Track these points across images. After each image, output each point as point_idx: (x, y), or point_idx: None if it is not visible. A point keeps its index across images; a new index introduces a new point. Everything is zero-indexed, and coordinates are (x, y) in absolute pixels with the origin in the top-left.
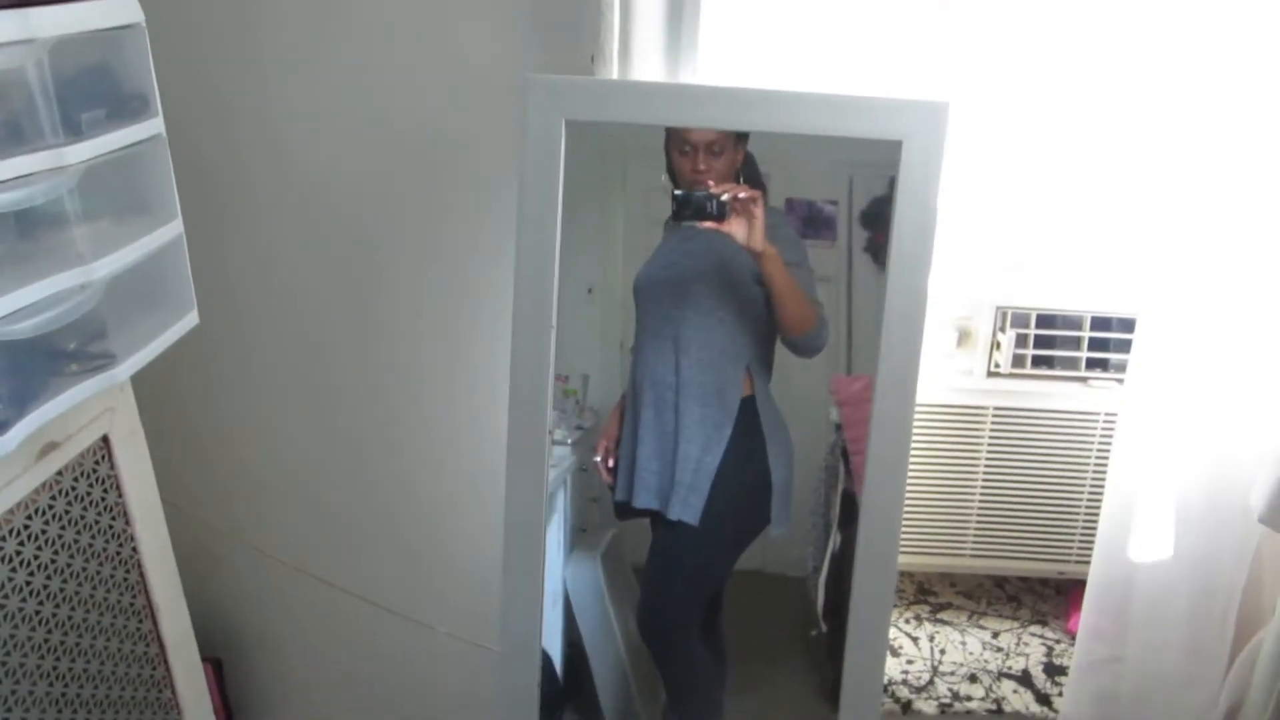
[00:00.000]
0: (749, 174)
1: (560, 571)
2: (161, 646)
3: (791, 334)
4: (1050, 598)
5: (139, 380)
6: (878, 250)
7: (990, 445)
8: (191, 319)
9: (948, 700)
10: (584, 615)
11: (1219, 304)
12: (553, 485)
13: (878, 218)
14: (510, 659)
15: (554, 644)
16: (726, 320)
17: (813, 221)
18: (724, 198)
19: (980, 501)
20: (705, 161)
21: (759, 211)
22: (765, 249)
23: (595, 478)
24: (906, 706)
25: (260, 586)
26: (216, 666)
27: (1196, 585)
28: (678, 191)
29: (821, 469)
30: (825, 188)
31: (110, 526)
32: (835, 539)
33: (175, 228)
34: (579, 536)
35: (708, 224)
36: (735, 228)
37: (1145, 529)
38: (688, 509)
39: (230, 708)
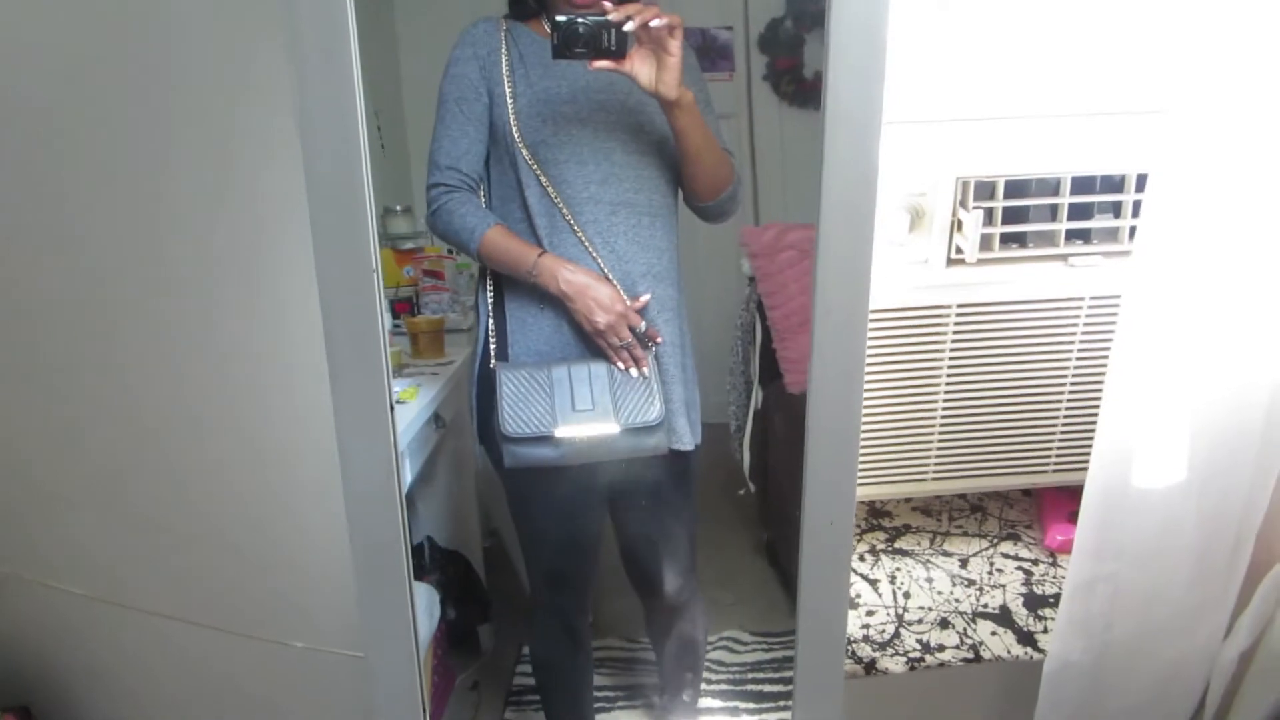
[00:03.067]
0: None
1: None
2: None
3: (704, 198)
4: (1018, 502)
5: None
6: (778, 79)
7: (954, 351)
8: None
9: (917, 654)
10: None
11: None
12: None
13: (777, 41)
14: (380, 666)
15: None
16: (671, 181)
17: (707, 52)
18: (627, 26)
19: (943, 417)
20: None
21: (676, 46)
22: (682, 96)
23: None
24: (870, 667)
25: (57, 621)
26: (24, 715)
27: (1208, 505)
28: (560, 18)
29: (737, 326)
30: (716, 10)
31: None
32: (757, 396)
33: None
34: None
35: (602, 64)
36: (639, 68)
37: (1151, 437)
38: (695, 430)
39: None
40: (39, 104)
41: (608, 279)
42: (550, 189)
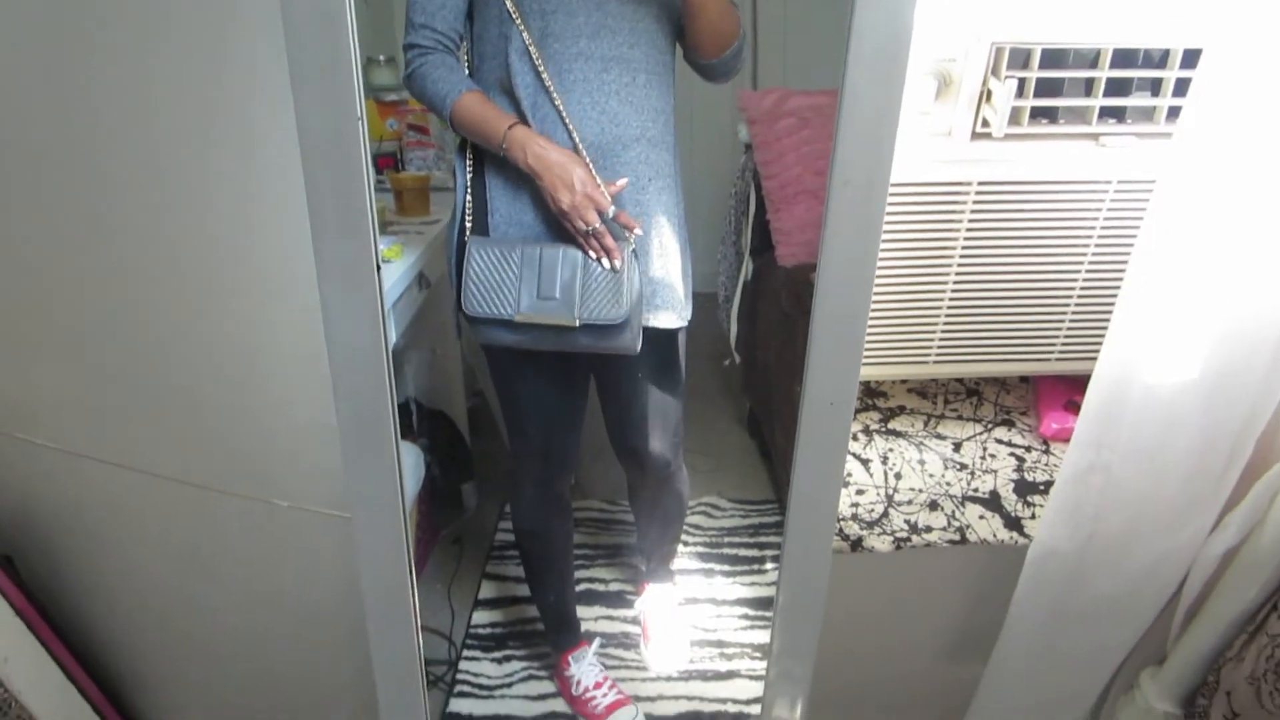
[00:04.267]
0: None
1: None
2: None
3: (707, 54)
4: (1015, 388)
5: None
6: None
7: (970, 230)
8: None
9: (904, 534)
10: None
11: None
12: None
13: None
14: (366, 527)
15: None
16: (669, 35)
17: None
18: None
19: (951, 300)
20: None
21: None
22: None
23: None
24: (856, 544)
25: (37, 475)
26: (6, 564)
27: (1215, 407)
28: None
29: (730, 195)
30: None
31: None
32: (748, 267)
33: None
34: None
35: None
36: None
37: (1168, 332)
38: (689, 304)
39: (39, 603)
40: None
41: (582, 159)
42: (533, 48)
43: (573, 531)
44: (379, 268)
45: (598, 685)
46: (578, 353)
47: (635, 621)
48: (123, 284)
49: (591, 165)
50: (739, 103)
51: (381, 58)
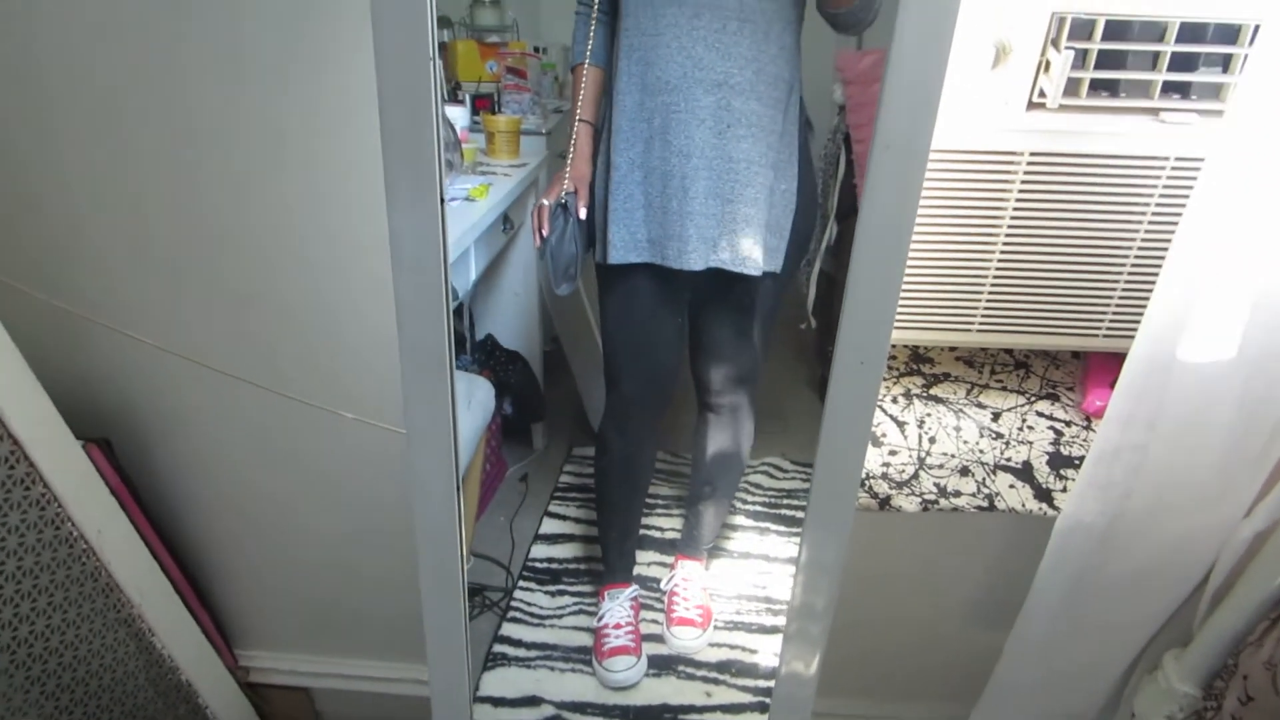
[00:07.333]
0: None
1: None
2: (16, 443)
3: (836, 2)
4: (1066, 363)
5: None
6: None
7: (1019, 201)
8: None
9: (933, 496)
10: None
11: None
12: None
13: None
14: (418, 444)
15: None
16: (722, 1)
17: None
18: None
19: (998, 269)
20: None
21: None
22: None
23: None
24: (885, 503)
25: (133, 367)
26: (105, 446)
27: (1253, 389)
28: None
29: (820, 156)
30: None
31: None
32: (832, 230)
33: None
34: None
35: None
36: None
37: (1207, 310)
38: (775, 258)
39: (133, 485)
40: None
41: (586, 173)
42: None
43: (653, 469)
44: (443, 201)
45: (617, 626)
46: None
47: None
48: (219, 215)
49: (670, 107)
50: (837, 62)
51: None
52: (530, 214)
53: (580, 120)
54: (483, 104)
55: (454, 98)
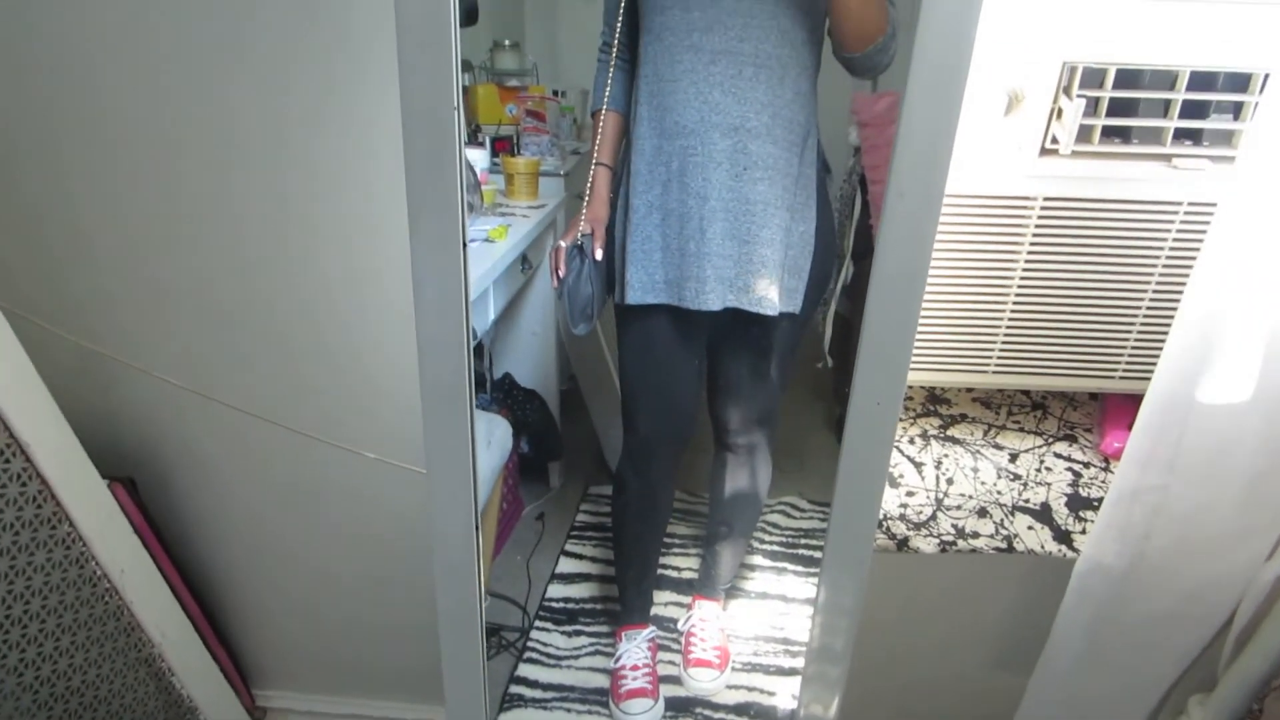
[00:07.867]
0: None
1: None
2: (44, 482)
3: (849, 46)
4: (1084, 404)
5: None
6: None
7: (1033, 245)
8: None
9: (951, 538)
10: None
11: None
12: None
13: None
14: (438, 483)
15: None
16: (789, 30)
17: None
18: None
19: (1013, 312)
20: None
21: None
22: None
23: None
24: (903, 544)
25: (157, 406)
26: (130, 486)
27: (1273, 429)
28: None
29: (836, 197)
30: None
31: None
32: (848, 271)
33: None
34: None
35: None
36: None
37: (1224, 351)
38: (792, 298)
39: (156, 525)
40: None
41: (603, 215)
42: (653, 41)
43: (670, 509)
44: (465, 245)
45: (635, 667)
46: (698, 325)
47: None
48: (243, 244)
49: (687, 150)
50: (852, 105)
51: (507, 41)
52: (548, 255)
53: (597, 163)
54: (502, 146)
55: (474, 140)
